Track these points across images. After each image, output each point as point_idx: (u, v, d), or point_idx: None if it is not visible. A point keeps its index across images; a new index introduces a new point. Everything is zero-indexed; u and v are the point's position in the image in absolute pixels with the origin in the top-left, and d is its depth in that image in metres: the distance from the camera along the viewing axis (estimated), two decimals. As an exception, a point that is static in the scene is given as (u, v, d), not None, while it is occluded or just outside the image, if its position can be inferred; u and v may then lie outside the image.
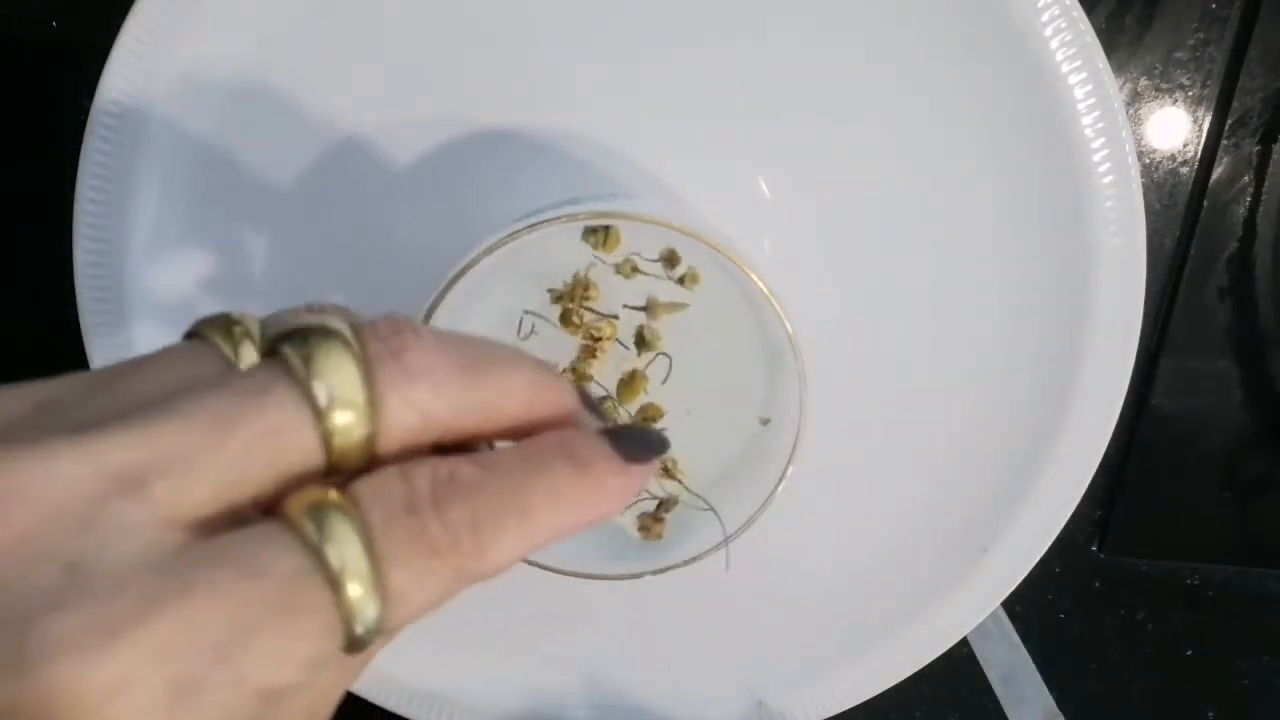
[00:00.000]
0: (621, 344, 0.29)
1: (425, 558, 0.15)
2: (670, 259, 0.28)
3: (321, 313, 0.16)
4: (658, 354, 0.29)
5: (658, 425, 0.29)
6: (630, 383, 0.29)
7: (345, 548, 0.14)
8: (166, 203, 0.31)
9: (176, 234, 0.31)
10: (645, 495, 0.30)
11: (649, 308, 0.28)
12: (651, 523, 0.30)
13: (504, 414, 0.17)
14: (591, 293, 0.28)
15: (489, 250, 0.25)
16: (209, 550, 0.14)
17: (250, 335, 0.16)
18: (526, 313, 0.28)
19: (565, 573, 0.29)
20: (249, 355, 0.16)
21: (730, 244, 0.26)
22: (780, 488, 0.27)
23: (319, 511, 0.14)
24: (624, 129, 0.30)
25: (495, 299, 0.28)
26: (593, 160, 0.31)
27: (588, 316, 0.28)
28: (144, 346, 0.32)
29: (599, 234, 0.27)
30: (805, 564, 0.34)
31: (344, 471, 0.15)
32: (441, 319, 0.26)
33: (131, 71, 0.29)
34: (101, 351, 0.31)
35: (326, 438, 0.15)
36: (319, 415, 0.15)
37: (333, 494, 0.14)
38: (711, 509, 0.29)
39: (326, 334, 0.15)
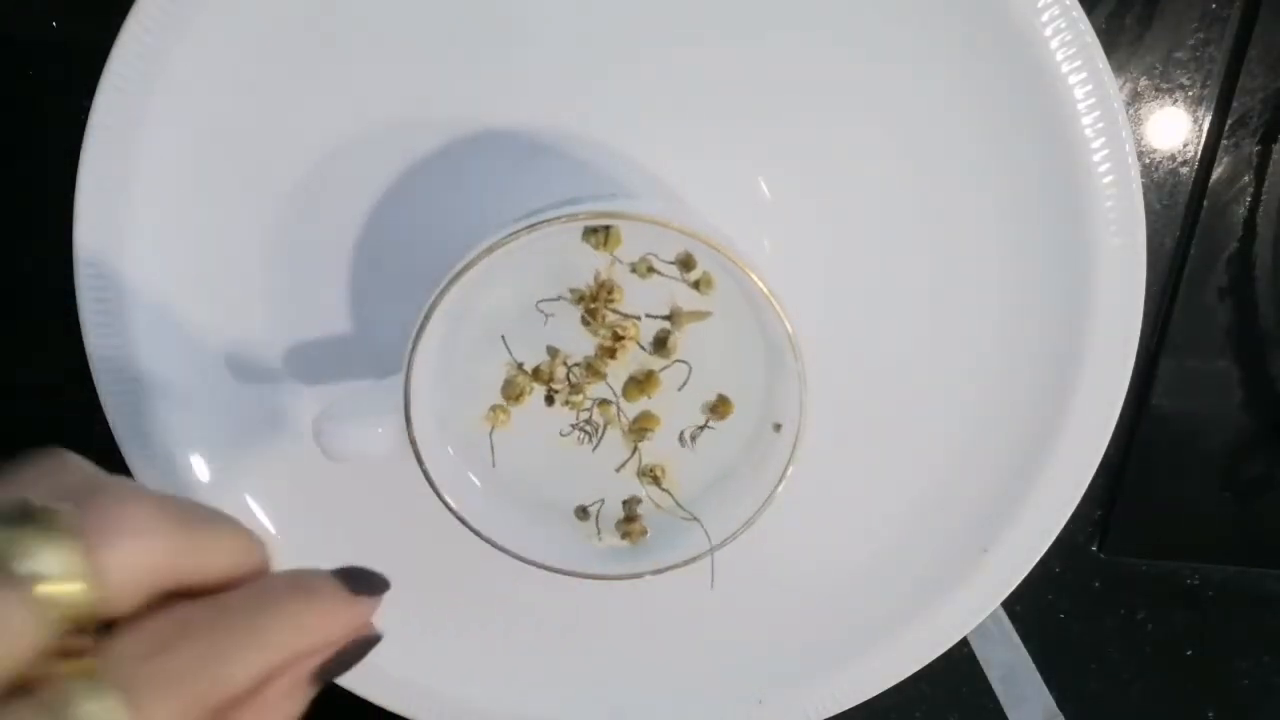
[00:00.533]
0: (641, 346, 0.29)
1: (173, 694, 0.17)
2: (687, 262, 0.27)
3: (36, 475, 0.18)
4: (674, 359, 0.29)
5: (655, 434, 0.29)
6: (644, 382, 0.29)
7: (98, 704, 0.16)
8: (166, 203, 0.31)
9: (176, 234, 0.31)
10: (598, 500, 0.30)
11: (673, 315, 0.28)
12: (628, 525, 0.30)
13: (218, 562, 0.19)
14: (616, 295, 0.28)
15: (489, 250, 0.25)
16: None
17: None
18: (558, 298, 0.28)
19: (565, 572, 0.29)
20: None
21: (730, 244, 0.26)
22: (780, 488, 0.27)
23: (67, 684, 0.16)
24: (624, 129, 0.30)
25: (501, 294, 0.28)
26: (593, 160, 0.31)
27: (611, 317, 0.28)
28: (144, 346, 0.32)
29: (599, 234, 0.27)
30: (805, 564, 0.34)
31: (92, 627, 0.17)
32: (441, 319, 0.26)
33: (131, 71, 0.29)
34: (101, 351, 0.31)
35: (54, 617, 0.16)
36: (41, 602, 0.16)
37: (84, 663, 0.16)
38: (696, 519, 0.29)
39: (36, 516, 0.16)
